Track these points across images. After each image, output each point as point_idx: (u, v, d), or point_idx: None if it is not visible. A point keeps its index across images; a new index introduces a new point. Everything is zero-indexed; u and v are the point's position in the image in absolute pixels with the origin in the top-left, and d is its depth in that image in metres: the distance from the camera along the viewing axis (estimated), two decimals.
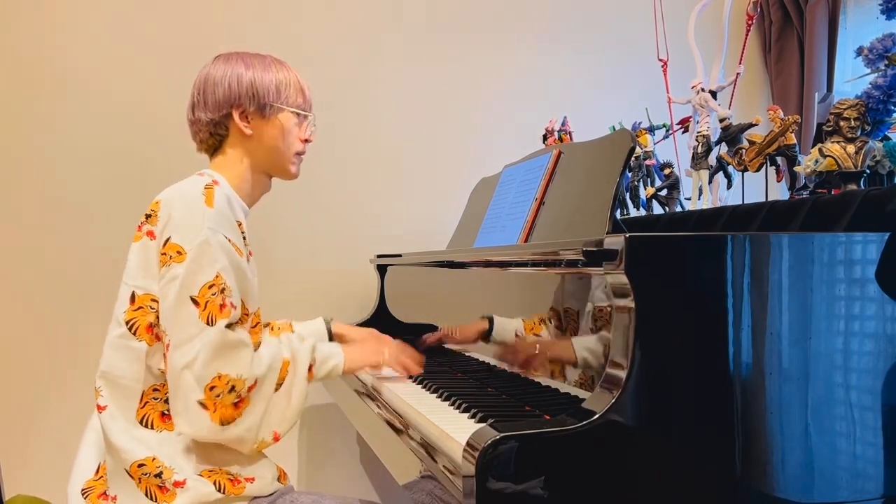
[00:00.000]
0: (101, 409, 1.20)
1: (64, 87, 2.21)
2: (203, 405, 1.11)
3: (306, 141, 1.38)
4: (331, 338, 1.62)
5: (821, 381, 0.96)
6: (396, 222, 2.54)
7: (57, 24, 2.21)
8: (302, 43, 2.44)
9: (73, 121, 2.21)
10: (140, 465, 1.15)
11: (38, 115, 2.19)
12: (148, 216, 1.21)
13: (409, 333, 1.89)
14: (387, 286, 2.23)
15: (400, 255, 2.17)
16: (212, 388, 1.11)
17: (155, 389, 1.20)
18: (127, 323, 1.19)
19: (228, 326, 1.14)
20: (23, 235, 2.18)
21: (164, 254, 1.16)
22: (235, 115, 1.30)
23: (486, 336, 1.47)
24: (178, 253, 1.15)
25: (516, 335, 1.33)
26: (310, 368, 1.26)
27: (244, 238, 1.25)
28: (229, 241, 1.18)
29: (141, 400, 1.19)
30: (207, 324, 1.12)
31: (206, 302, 1.13)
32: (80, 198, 2.22)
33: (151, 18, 2.29)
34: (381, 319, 2.18)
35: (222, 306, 1.14)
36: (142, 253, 1.19)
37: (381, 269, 2.25)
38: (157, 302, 1.17)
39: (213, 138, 1.33)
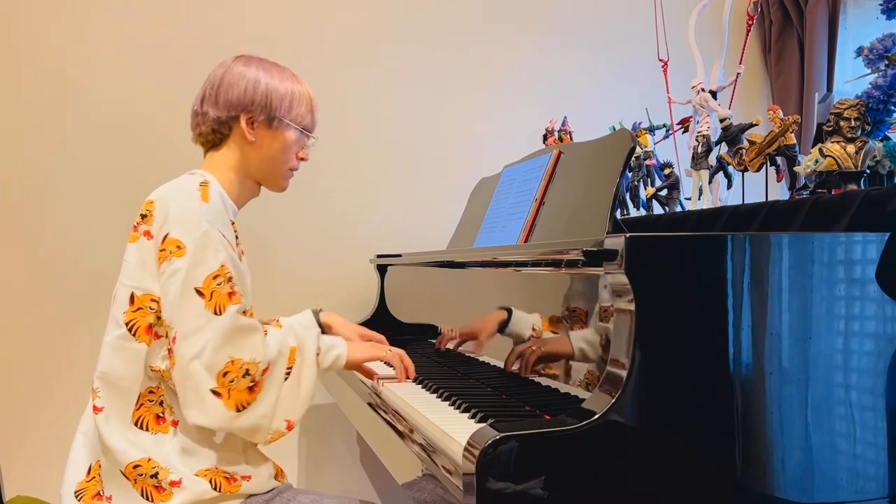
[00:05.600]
0: (97, 410, 1.19)
1: (62, 93, 2.21)
2: (216, 393, 1.11)
3: (302, 159, 1.39)
4: (320, 327, 1.61)
5: (821, 381, 0.96)
6: (396, 222, 2.54)
7: (55, 32, 2.21)
8: (302, 44, 2.44)
9: (73, 123, 2.21)
10: (136, 467, 1.15)
11: (37, 119, 2.19)
12: (143, 216, 1.20)
13: (408, 333, 1.90)
14: (387, 286, 2.23)
15: (400, 255, 2.17)
16: (225, 374, 1.12)
17: (150, 391, 1.20)
18: (127, 324, 1.18)
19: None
20: (23, 238, 2.18)
21: (164, 250, 1.16)
22: (242, 120, 1.30)
23: (502, 327, 1.45)
24: (178, 247, 1.15)
25: (533, 329, 1.32)
26: (316, 355, 1.26)
27: (236, 237, 1.26)
28: (224, 237, 1.19)
29: (137, 402, 1.19)
30: (215, 313, 1.13)
31: (212, 292, 1.14)
32: (80, 197, 2.22)
33: (149, 26, 2.29)
34: (381, 319, 2.18)
35: (231, 294, 1.15)
36: (140, 253, 1.19)
37: (381, 269, 2.25)
38: (157, 302, 1.17)
39: (214, 135, 1.33)
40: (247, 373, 1.13)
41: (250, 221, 2.37)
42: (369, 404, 1.46)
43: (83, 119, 2.22)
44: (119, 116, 2.25)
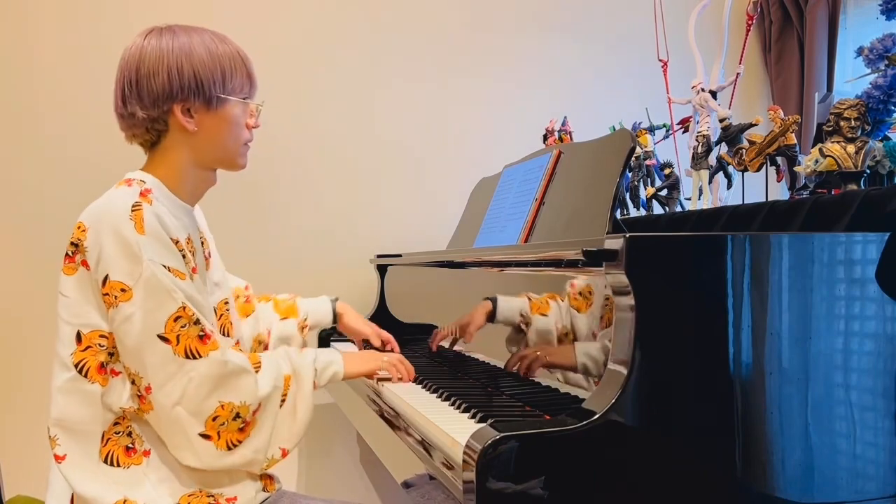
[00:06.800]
0: (59, 459, 1.10)
1: (58, 92, 2.21)
2: (205, 436, 1.08)
3: (253, 127, 1.26)
4: (335, 317, 1.61)
5: (821, 381, 0.95)
6: (396, 222, 2.54)
7: (32, 26, 2.21)
8: (303, 44, 2.43)
9: (62, 123, 2.22)
10: None
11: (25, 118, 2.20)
12: (76, 245, 1.10)
13: (408, 333, 1.89)
14: (387, 286, 2.22)
15: (400, 255, 2.17)
16: (215, 419, 1.08)
17: (116, 423, 1.12)
18: (76, 365, 1.09)
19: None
20: (24, 238, 2.18)
21: (107, 294, 1.07)
22: (177, 111, 1.16)
23: (490, 317, 1.42)
24: (123, 291, 1.06)
25: (521, 315, 1.32)
26: (313, 378, 1.23)
27: (184, 256, 1.13)
28: (170, 269, 1.09)
29: (103, 439, 1.11)
30: (188, 357, 1.07)
31: (178, 335, 1.07)
32: (80, 194, 2.21)
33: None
34: (381, 319, 2.18)
35: (203, 337, 1.09)
36: (80, 286, 1.10)
37: (381, 269, 2.24)
38: (107, 338, 1.10)
39: (149, 133, 1.19)
40: (237, 416, 1.10)
41: (251, 221, 2.37)
42: (369, 403, 1.46)
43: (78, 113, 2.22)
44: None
